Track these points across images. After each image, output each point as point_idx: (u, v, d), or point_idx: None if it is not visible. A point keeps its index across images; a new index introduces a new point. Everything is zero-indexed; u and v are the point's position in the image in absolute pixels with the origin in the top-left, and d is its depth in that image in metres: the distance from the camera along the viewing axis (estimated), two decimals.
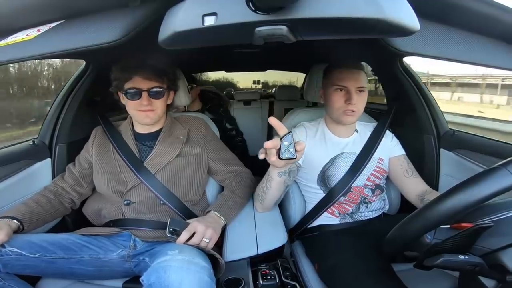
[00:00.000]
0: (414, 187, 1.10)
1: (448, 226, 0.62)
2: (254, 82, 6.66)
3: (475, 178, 0.55)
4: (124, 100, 1.07)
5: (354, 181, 1.08)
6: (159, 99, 1.06)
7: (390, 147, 1.16)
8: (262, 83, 6.81)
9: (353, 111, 1.06)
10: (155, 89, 1.04)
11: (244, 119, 2.59)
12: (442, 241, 0.61)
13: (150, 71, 1.03)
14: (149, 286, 0.73)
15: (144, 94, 1.03)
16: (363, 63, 1.73)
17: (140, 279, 0.76)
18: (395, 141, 1.19)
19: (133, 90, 1.02)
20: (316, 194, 1.14)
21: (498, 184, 0.53)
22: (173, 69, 1.15)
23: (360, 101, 1.06)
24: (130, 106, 1.05)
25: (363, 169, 1.09)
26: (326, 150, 1.13)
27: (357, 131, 1.17)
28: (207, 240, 0.90)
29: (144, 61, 1.04)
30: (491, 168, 0.55)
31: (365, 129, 1.20)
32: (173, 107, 1.32)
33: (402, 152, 1.17)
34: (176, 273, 0.71)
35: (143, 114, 1.05)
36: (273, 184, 0.96)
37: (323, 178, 1.12)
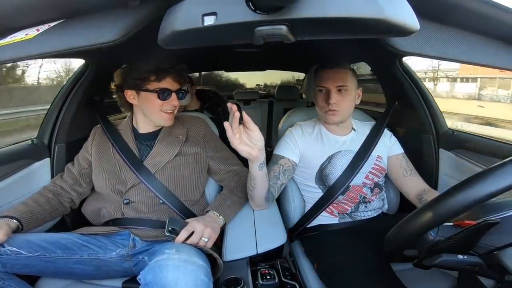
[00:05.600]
0: (413, 186, 1.10)
1: (451, 224, 0.62)
2: (257, 85, 7.72)
3: (484, 173, 0.54)
4: (140, 99, 1.06)
5: (352, 179, 1.08)
6: (180, 100, 1.09)
7: (389, 146, 1.16)
8: (259, 85, 7.80)
9: (335, 110, 1.06)
10: (181, 91, 1.08)
11: None
12: (445, 238, 0.61)
13: (179, 73, 1.07)
14: (146, 285, 0.73)
15: (174, 95, 1.05)
16: (361, 63, 1.74)
17: (137, 278, 0.77)
18: (394, 139, 1.19)
19: (164, 90, 1.03)
20: (314, 193, 1.14)
21: (508, 179, 0.51)
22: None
23: (342, 100, 1.06)
24: (156, 106, 1.05)
25: (361, 167, 1.09)
26: (323, 148, 1.13)
27: (354, 130, 1.17)
28: (206, 240, 0.90)
29: (174, 63, 1.06)
30: (500, 163, 0.54)
31: (363, 127, 1.19)
32: None
33: (401, 150, 1.17)
34: (172, 272, 0.71)
35: (166, 115, 1.07)
36: (257, 181, 0.96)
37: (321, 177, 1.12)
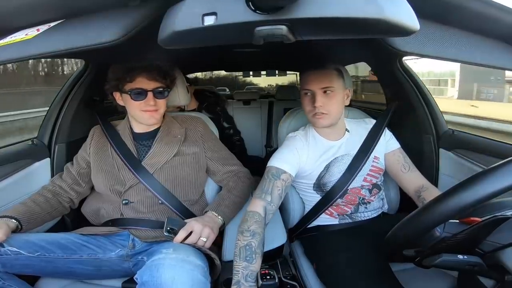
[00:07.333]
0: (412, 182, 1.08)
1: (457, 220, 0.61)
2: (269, 85, 8.93)
3: (485, 172, 0.54)
4: (123, 100, 1.07)
5: (350, 183, 1.06)
6: (162, 99, 1.07)
7: (384, 143, 1.14)
8: (270, 85, 8.96)
9: (322, 113, 1.02)
10: (159, 89, 1.05)
11: (243, 118, 2.59)
12: (452, 234, 0.61)
13: (154, 71, 1.04)
14: (142, 284, 0.74)
15: (149, 94, 1.03)
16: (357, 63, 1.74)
17: (134, 278, 0.77)
18: (389, 134, 1.16)
19: (138, 90, 1.02)
20: (313, 197, 1.12)
21: (509, 179, 0.51)
22: (173, 68, 1.15)
23: (329, 103, 1.01)
24: (134, 106, 1.05)
25: (359, 171, 1.07)
26: (320, 158, 1.09)
27: (348, 131, 1.13)
28: (204, 239, 0.90)
29: (148, 61, 1.04)
30: (501, 163, 0.53)
31: (357, 127, 1.16)
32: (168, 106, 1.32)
33: (397, 145, 1.14)
34: (168, 271, 0.72)
35: (148, 114, 1.06)
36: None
37: (319, 185, 1.10)
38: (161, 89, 1.06)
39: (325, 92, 1.01)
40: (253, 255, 0.81)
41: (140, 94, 1.02)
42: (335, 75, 1.04)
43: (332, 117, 1.04)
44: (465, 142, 1.18)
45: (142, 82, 1.02)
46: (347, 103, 1.10)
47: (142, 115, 1.06)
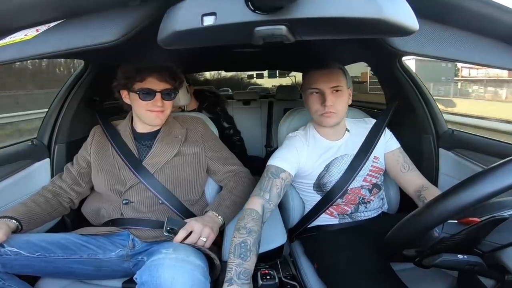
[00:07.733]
0: (412, 182, 1.07)
1: (456, 221, 0.62)
2: (273, 85, 9.06)
3: (485, 172, 0.54)
4: (130, 99, 1.07)
5: (350, 183, 1.06)
6: (169, 101, 1.08)
7: (384, 143, 1.13)
8: (274, 85, 9.55)
9: (331, 112, 1.02)
10: (168, 91, 1.06)
11: (243, 119, 2.59)
12: (450, 235, 0.61)
13: (165, 72, 1.05)
14: (142, 284, 0.74)
15: (158, 95, 1.04)
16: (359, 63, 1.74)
17: (134, 278, 0.77)
18: (389, 134, 1.15)
19: (147, 90, 1.03)
20: (313, 197, 1.12)
21: (509, 179, 0.51)
22: (181, 70, 1.15)
23: (338, 102, 1.02)
24: (141, 106, 1.05)
25: (359, 171, 1.07)
26: (319, 157, 1.09)
27: (348, 131, 1.13)
28: (204, 239, 0.90)
29: (159, 62, 1.05)
30: (501, 162, 0.53)
31: (357, 127, 1.15)
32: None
33: (397, 145, 1.14)
34: (168, 271, 0.72)
35: (154, 115, 1.06)
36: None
37: (319, 185, 1.10)
38: (169, 90, 1.07)
39: (334, 91, 1.02)
40: (247, 253, 0.80)
41: (148, 94, 1.03)
42: (341, 74, 1.04)
43: (339, 115, 1.05)
44: (465, 142, 1.18)
45: (152, 83, 1.03)
46: (350, 102, 1.10)
47: (148, 115, 1.06)
